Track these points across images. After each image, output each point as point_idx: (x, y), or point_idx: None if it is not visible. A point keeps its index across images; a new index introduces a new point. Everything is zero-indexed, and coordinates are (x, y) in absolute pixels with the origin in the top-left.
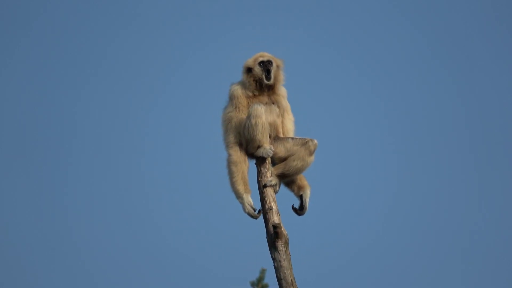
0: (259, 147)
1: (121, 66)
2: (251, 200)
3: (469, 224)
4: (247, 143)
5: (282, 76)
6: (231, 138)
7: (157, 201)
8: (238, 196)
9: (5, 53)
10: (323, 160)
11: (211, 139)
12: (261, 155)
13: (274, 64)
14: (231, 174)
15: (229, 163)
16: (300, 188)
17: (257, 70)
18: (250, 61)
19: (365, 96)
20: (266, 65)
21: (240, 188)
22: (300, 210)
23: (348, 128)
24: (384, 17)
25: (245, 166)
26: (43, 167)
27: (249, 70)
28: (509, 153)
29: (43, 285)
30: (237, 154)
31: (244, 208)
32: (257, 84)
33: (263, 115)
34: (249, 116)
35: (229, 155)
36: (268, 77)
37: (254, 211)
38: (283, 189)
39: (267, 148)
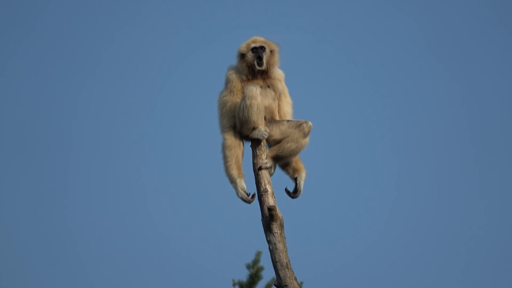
0: (254, 129)
1: (120, 65)
2: (244, 185)
3: (470, 220)
4: (242, 125)
5: (276, 60)
6: (226, 122)
7: (154, 189)
8: (232, 181)
9: (5, 53)
10: (322, 143)
11: (206, 134)
12: (256, 137)
13: (267, 50)
14: (225, 158)
15: (224, 147)
16: (295, 170)
17: (249, 56)
18: (243, 47)
19: (366, 83)
20: (258, 52)
21: (234, 172)
22: (294, 193)
23: (347, 112)
24: (386, 6)
25: (239, 151)
26: (43, 167)
27: (242, 55)
28: (509, 154)
29: (43, 285)
30: (232, 139)
31: (237, 193)
32: (250, 69)
33: (258, 96)
34: (244, 97)
35: (224, 139)
36: (260, 63)
37: (248, 195)
38: (279, 171)
39: (262, 130)
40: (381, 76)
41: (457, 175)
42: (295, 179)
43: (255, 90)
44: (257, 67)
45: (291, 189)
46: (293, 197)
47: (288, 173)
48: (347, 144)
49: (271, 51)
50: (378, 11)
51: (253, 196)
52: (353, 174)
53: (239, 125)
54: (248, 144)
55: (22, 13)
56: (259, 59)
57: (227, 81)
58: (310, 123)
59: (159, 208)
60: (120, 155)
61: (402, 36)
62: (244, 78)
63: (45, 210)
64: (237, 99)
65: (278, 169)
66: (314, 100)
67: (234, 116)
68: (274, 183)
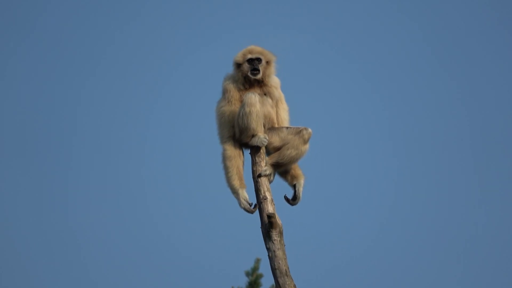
0: (253, 136)
1: (120, 65)
2: (246, 195)
3: (469, 221)
4: (241, 133)
5: (272, 69)
6: (225, 132)
7: (154, 194)
8: (234, 192)
9: (5, 53)
10: (320, 149)
11: (206, 135)
12: (255, 144)
13: (263, 61)
14: (226, 169)
15: (224, 158)
16: (294, 177)
17: (245, 66)
18: (239, 57)
19: (366, 84)
20: (253, 63)
21: (235, 183)
22: (293, 200)
23: (346, 115)
24: (384, 8)
25: (240, 161)
26: (44, 167)
27: (238, 65)
28: (509, 154)
29: (44, 285)
30: (231, 149)
31: (239, 204)
32: (246, 78)
33: (257, 103)
34: (243, 105)
35: (224, 149)
36: (254, 73)
37: (250, 206)
38: (278, 179)
39: (261, 137)
40: (382, 78)
41: (458, 176)
42: (294, 186)
43: (254, 98)
44: (252, 77)
45: (290, 196)
46: (292, 204)
47: (286, 180)
48: (346, 149)
49: (267, 62)
50: (378, 11)
51: (255, 206)
52: (353, 180)
53: (238, 132)
54: (247, 152)
55: (22, 13)
56: (255, 70)
57: (224, 91)
58: (309, 130)
59: (159, 212)
60: (120, 156)
61: (402, 37)
62: (241, 87)
63: (46, 211)
64: (235, 108)
65: (277, 176)
66: (313, 102)
67: (233, 126)
68: (274, 191)
